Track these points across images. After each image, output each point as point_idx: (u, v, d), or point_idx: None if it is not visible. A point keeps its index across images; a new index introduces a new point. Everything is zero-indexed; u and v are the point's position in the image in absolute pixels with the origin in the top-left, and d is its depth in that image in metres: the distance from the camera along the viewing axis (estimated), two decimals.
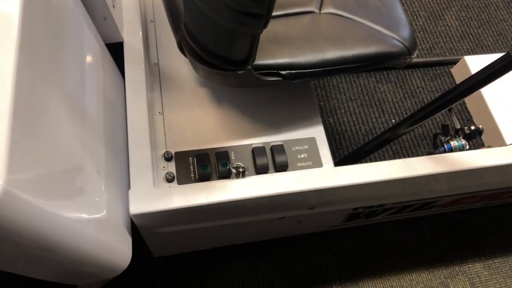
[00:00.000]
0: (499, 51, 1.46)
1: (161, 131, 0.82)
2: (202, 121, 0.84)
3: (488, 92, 1.26)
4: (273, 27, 0.75)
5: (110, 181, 0.70)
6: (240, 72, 0.68)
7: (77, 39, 0.69)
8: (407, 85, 1.35)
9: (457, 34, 1.48)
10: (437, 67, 1.39)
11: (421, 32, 1.46)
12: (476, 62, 1.31)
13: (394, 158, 1.22)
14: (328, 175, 0.76)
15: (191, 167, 0.79)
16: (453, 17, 1.51)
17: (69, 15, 0.67)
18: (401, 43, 0.79)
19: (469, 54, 1.44)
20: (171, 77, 0.88)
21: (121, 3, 0.89)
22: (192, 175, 0.78)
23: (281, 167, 0.80)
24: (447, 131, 1.09)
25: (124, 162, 0.79)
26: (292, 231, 1.09)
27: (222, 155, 0.80)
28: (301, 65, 0.72)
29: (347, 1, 0.82)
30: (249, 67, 0.67)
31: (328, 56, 0.73)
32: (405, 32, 0.81)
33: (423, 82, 1.36)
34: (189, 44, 0.66)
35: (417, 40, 1.44)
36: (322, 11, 0.80)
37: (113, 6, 0.81)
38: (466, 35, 1.48)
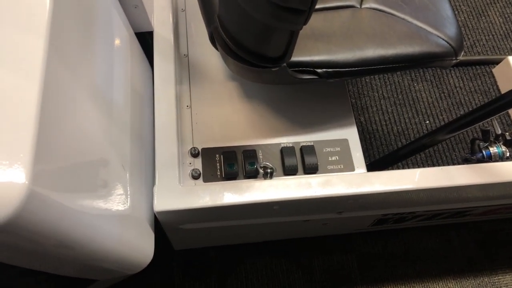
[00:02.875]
0: None
1: (188, 125, 0.79)
2: (231, 116, 0.81)
3: None
4: (310, 22, 0.70)
5: (135, 175, 0.68)
6: (274, 69, 0.64)
7: (107, 27, 0.67)
8: (444, 85, 1.28)
9: (501, 32, 1.39)
10: (477, 67, 1.32)
11: (463, 28, 1.38)
12: None
13: (427, 161, 1.17)
14: (360, 181, 0.73)
15: (218, 164, 0.76)
16: (498, 13, 1.42)
17: (100, 1, 0.65)
18: (447, 42, 0.74)
19: None
20: (201, 69, 0.85)
21: None
22: (219, 173, 0.76)
23: (311, 170, 0.77)
24: (487, 137, 1.03)
25: (150, 156, 0.77)
26: (316, 232, 1.06)
27: (250, 154, 0.77)
28: (339, 63, 0.67)
29: None
30: (284, 64, 0.64)
31: (367, 54, 0.68)
32: (452, 30, 0.76)
33: (461, 82, 1.29)
34: (222, 38, 0.63)
35: None
36: (364, 6, 0.75)
37: None
38: (511, 34, 1.39)
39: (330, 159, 0.79)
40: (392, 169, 1.02)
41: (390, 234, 1.15)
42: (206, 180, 0.75)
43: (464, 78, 1.30)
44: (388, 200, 0.78)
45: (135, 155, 0.70)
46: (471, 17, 1.41)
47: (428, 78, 1.29)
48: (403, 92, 1.26)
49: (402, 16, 0.75)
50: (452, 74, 1.30)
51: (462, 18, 1.40)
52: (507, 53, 1.35)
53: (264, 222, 0.82)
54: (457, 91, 1.27)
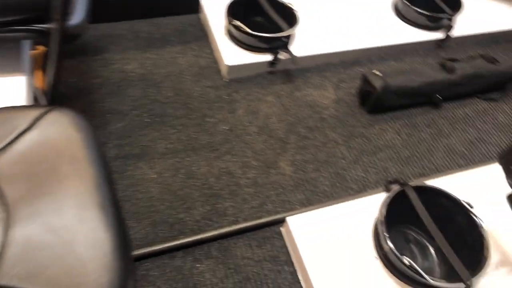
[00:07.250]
0: (336, 198, 1.33)
1: None
2: None
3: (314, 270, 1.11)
4: None
5: None
6: None
7: None
8: (231, 258, 1.18)
9: (292, 182, 1.36)
10: (266, 228, 1.25)
11: (252, 187, 1.33)
12: (297, 223, 1.18)
13: None
14: None
15: None
16: (288, 162, 1.41)
17: None
18: None
19: (304, 205, 1.31)
20: None
21: None
22: None
23: None
24: None
25: None
26: None
27: None
28: None
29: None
30: None
31: None
32: None
33: (250, 250, 1.20)
34: None
35: (246, 198, 1.30)
36: None
37: None
38: (301, 182, 1.36)
39: None
40: None
41: None
42: None
43: (252, 245, 1.21)
44: None
45: None
46: (261, 171, 1.37)
47: (214, 254, 1.19)
48: (184, 278, 1.14)
49: None
50: (240, 243, 1.21)
51: (251, 175, 1.36)
52: (297, 206, 1.30)
53: None
54: (244, 263, 1.18)
